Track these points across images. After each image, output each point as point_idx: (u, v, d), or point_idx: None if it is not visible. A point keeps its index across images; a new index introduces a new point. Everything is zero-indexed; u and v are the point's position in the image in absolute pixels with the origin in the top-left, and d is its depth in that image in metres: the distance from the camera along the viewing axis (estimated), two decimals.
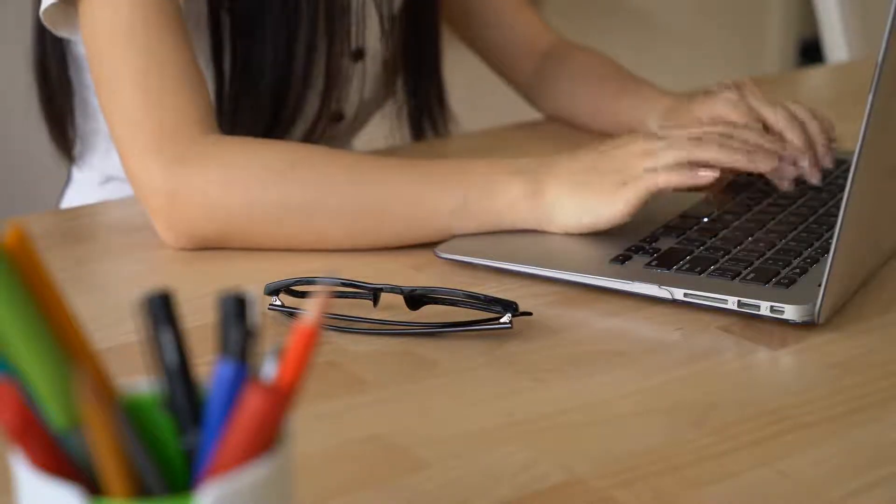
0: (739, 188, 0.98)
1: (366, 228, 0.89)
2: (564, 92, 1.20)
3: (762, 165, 0.89)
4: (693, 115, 1.03)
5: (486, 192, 0.89)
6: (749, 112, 0.99)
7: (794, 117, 0.99)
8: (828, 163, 0.98)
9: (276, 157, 0.90)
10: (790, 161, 0.95)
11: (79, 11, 0.94)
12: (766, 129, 0.98)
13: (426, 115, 1.21)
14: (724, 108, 1.01)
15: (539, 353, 0.75)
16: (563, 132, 1.18)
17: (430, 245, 0.89)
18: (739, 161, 0.89)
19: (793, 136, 0.97)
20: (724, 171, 0.89)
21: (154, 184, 0.89)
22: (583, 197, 0.88)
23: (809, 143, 0.97)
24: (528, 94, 1.24)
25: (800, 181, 0.96)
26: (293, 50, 1.04)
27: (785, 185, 0.95)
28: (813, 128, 0.99)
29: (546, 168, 0.89)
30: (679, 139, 0.89)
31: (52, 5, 0.95)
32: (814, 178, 0.96)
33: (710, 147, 0.88)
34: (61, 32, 1.00)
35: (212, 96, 0.98)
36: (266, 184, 0.89)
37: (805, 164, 0.96)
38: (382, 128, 1.22)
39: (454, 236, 0.89)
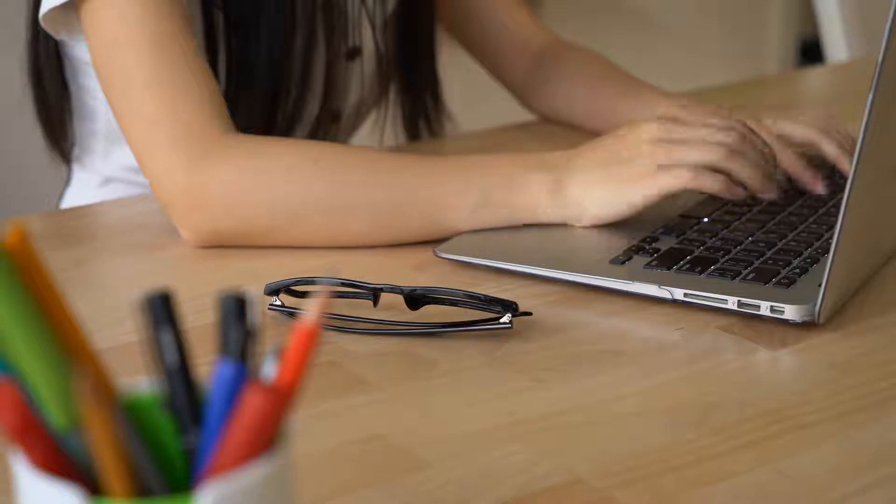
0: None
1: (387, 224, 0.89)
2: (561, 93, 1.18)
3: (771, 194, 0.91)
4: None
5: (506, 188, 0.89)
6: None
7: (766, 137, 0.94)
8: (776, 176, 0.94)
9: (297, 154, 0.90)
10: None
11: (81, 14, 0.93)
12: None
13: (421, 114, 1.21)
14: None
15: (539, 353, 0.75)
16: (562, 132, 1.17)
17: (430, 245, 0.89)
18: (757, 184, 0.89)
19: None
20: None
21: (176, 182, 0.89)
22: (611, 186, 0.88)
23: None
24: (522, 94, 1.23)
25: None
26: (290, 49, 1.03)
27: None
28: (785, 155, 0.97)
29: (565, 162, 0.89)
30: (714, 143, 0.88)
31: (52, 9, 0.95)
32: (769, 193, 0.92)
33: (744, 163, 0.88)
34: (61, 36, 1.00)
35: None
36: (288, 182, 0.89)
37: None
38: (377, 128, 1.22)
39: (476, 231, 0.90)
